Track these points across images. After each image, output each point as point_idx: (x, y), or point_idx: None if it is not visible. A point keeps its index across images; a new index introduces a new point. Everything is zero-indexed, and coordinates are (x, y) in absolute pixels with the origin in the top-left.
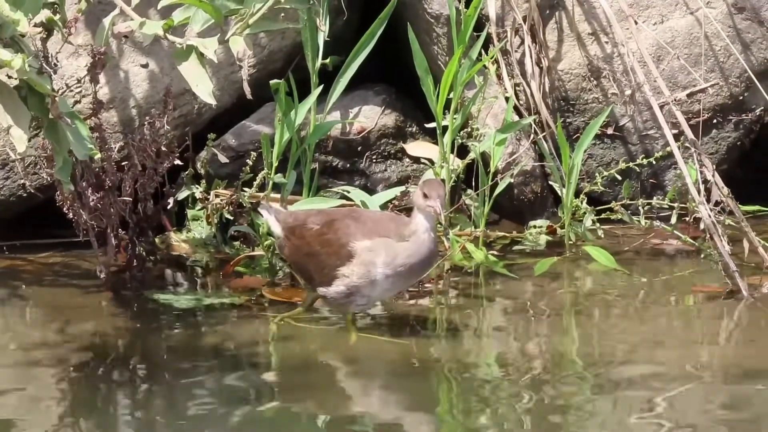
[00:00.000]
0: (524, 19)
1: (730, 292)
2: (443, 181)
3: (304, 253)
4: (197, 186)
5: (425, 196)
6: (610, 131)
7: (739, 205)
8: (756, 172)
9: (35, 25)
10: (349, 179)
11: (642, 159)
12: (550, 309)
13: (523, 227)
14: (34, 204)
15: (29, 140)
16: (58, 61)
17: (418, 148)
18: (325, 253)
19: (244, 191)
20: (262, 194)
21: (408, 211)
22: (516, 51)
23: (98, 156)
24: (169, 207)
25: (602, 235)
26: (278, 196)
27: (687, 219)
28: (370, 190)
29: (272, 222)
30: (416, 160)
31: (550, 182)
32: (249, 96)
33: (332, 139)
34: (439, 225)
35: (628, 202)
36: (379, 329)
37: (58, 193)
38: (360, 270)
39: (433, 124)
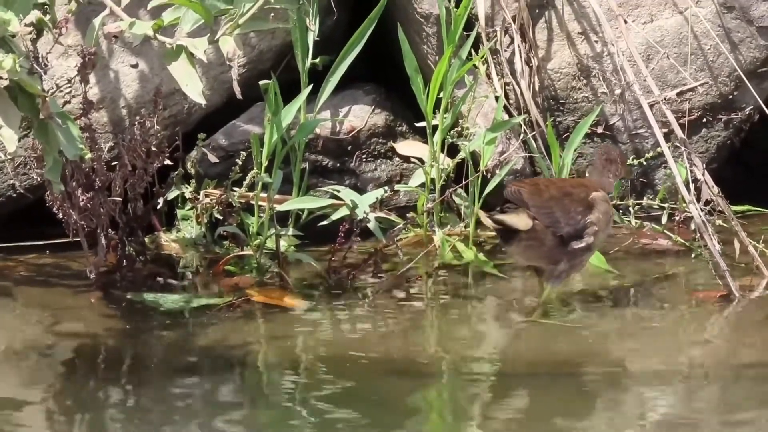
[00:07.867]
0: (514, 18)
1: (725, 296)
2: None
3: (550, 197)
4: (187, 186)
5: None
6: (600, 130)
7: (729, 205)
8: (746, 171)
9: (25, 26)
10: (339, 179)
11: (632, 159)
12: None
13: None
14: (24, 204)
15: (19, 140)
16: (48, 62)
17: (408, 147)
18: (576, 197)
19: (234, 191)
20: (251, 194)
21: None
22: (506, 50)
23: (88, 156)
24: (158, 207)
25: None
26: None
27: (677, 219)
28: (360, 190)
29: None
30: (406, 159)
31: None
32: (239, 96)
33: (322, 138)
34: None
35: (618, 202)
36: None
37: (48, 193)
38: (604, 219)
39: (423, 124)
